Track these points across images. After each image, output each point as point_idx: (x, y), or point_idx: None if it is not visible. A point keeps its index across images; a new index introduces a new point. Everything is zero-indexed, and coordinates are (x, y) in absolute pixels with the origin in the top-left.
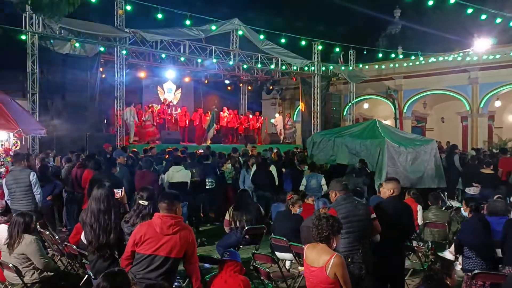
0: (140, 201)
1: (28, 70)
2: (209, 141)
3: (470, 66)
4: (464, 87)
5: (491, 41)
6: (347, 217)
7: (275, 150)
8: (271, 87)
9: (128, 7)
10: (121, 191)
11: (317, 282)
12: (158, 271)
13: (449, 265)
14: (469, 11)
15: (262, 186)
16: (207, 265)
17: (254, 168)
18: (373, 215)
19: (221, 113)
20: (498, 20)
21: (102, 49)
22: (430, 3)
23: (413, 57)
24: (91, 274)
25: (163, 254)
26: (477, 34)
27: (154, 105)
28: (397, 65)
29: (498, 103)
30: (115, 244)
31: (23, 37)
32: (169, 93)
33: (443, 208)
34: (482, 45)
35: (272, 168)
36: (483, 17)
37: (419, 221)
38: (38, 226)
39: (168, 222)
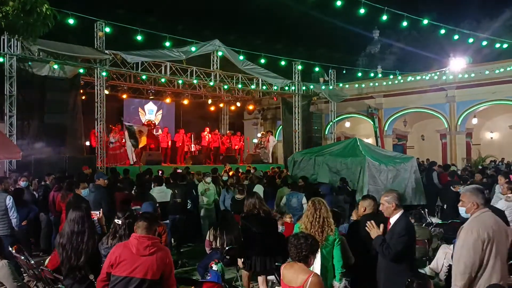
0: (115, 220)
1: (5, 93)
2: (190, 162)
3: (447, 85)
4: (442, 105)
5: (466, 60)
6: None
7: (252, 171)
8: (252, 108)
9: (107, 29)
10: (99, 212)
11: None
12: None
13: (427, 283)
14: (442, 31)
15: None
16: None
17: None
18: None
19: (202, 133)
20: (471, 40)
21: (81, 70)
22: (405, 24)
23: (391, 76)
24: None
25: (139, 276)
26: (452, 53)
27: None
28: (377, 84)
29: (475, 121)
30: (87, 266)
31: (1, 59)
32: (150, 114)
33: (423, 225)
34: (457, 64)
35: (259, 188)
36: (456, 37)
37: None
38: (14, 251)
39: (144, 242)
